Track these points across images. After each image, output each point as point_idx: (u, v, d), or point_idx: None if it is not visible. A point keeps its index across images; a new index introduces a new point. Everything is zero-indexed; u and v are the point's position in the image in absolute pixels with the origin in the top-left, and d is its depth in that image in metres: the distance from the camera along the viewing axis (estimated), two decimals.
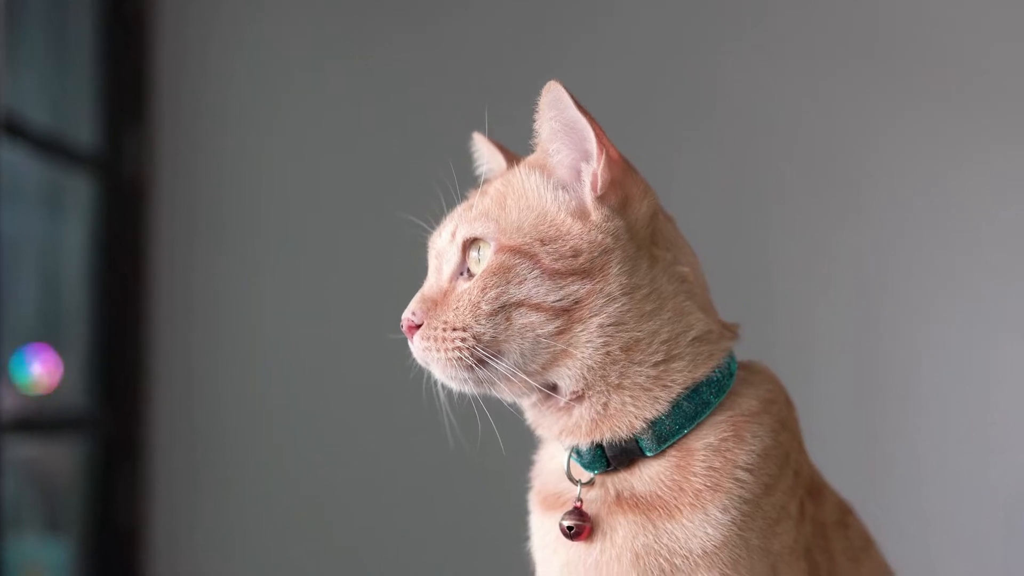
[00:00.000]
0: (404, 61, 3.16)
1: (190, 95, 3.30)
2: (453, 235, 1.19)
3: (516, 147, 1.29)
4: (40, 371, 3.03)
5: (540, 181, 1.18)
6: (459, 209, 1.23)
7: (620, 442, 1.15)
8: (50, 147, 3.04)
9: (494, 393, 1.18)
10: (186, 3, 3.32)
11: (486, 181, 1.29)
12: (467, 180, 1.30)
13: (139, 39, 3.28)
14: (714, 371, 1.17)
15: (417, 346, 1.17)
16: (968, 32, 2.86)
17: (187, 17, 3.31)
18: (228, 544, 3.19)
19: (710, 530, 1.11)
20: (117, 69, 3.24)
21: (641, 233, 1.17)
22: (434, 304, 1.17)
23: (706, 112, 3.00)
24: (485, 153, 1.34)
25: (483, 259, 1.15)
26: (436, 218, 1.26)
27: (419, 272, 1.24)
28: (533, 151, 1.22)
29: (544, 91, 1.15)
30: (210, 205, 3.27)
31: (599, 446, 1.16)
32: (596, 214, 1.15)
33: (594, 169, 1.15)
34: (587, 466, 1.18)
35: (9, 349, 2.96)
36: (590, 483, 1.18)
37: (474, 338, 1.13)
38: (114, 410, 3.18)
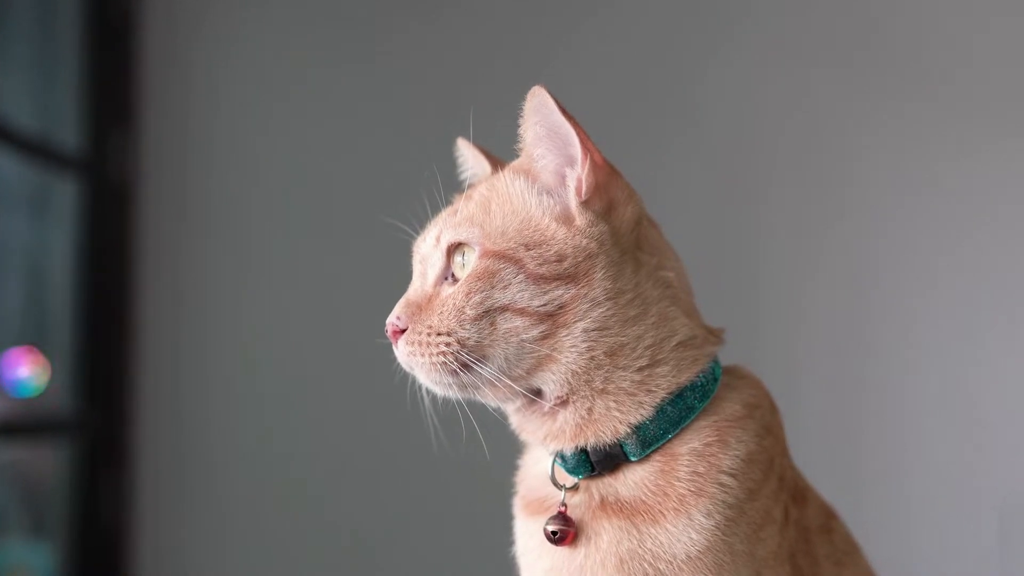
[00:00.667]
0: (390, 65, 3.16)
1: (176, 98, 3.29)
2: (438, 240, 1.19)
3: (501, 152, 1.29)
4: (28, 374, 3.02)
5: (524, 186, 1.18)
6: (443, 214, 1.23)
7: (604, 447, 1.15)
8: (36, 150, 3.04)
9: (478, 398, 1.18)
10: (172, 6, 3.31)
11: (471, 186, 1.29)
12: (452, 185, 1.30)
13: (125, 42, 3.27)
14: (699, 376, 1.17)
15: (402, 351, 1.17)
16: (953, 31, 2.87)
17: (173, 20, 3.30)
18: (213, 547, 3.18)
19: (694, 535, 1.11)
20: (103, 72, 3.23)
21: (626, 238, 1.17)
22: (419, 309, 1.17)
23: (692, 116, 3.00)
24: (469, 158, 1.34)
25: (468, 264, 1.15)
26: (421, 222, 1.26)
27: (404, 275, 1.24)
28: (518, 156, 1.22)
29: (529, 96, 1.15)
30: (196, 208, 3.27)
31: (583, 451, 1.16)
32: (580, 219, 1.15)
33: (578, 174, 1.16)
34: (571, 471, 1.18)
35: None
36: (574, 488, 1.18)
37: (458, 343, 1.13)
38: (99, 413, 3.17)
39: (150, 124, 3.27)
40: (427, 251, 1.20)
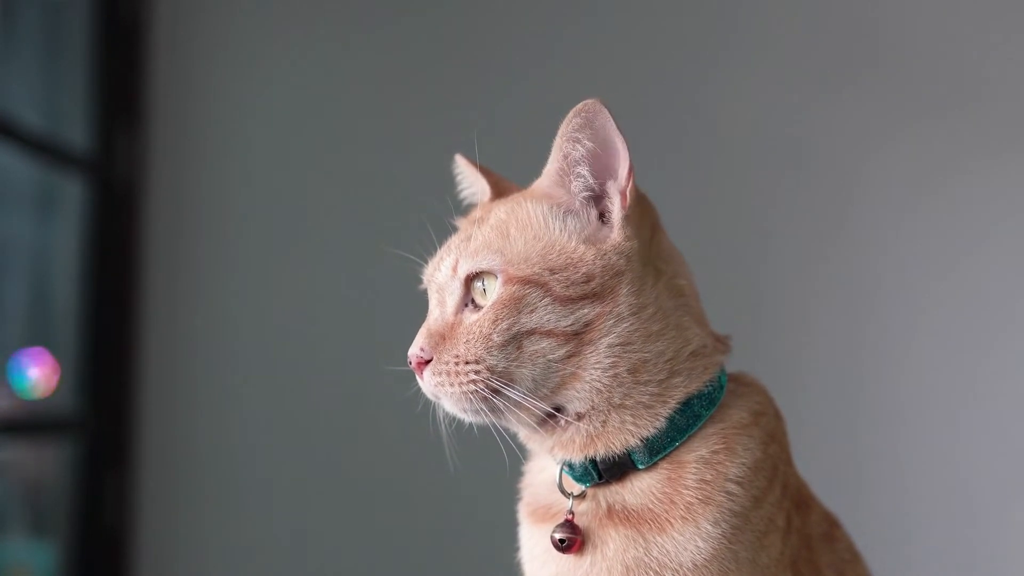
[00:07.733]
0: (399, 67, 3.16)
1: (182, 97, 3.30)
2: (455, 270, 1.18)
3: (500, 168, 1.29)
4: (38, 374, 3.02)
5: (547, 210, 1.18)
6: (455, 241, 1.23)
7: (613, 457, 1.15)
8: (42, 148, 3.03)
9: (502, 423, 1.17)
10: (179, 5, 3.32)
11: (476, 207, 1.29)
12: (452, 200, 1.30)
13: (132, 41, 3.27)
14: (706, 384, 1.17)
15: (428, 382, 1.16)
16: (956, 46, 2.88)
17: (180, 19, 3.31)
18: (214, 548, 3.18)
19: (701, 543, 1.11)
20: (110, 71, 3.24)
21: (646, 249, 1.18)
22: (442, 338, 1.16)
23: (697, 122, 3.01)
24: (468, 176, 1.34)
25: (489, 290, 1.15)
26: (420, 242, 1.25)
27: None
28: (509, 169, 1.22)
29: (575, 112, 1.14)
30: (202, 207, 3.27)
31: (592, 460, 1.16)
32: (619, 233, 1.16)
33: (622, 187, 1.16)
34: (578, 479, 1.18)
35: (1, 352, 2.95)
36: (581, 496, 1.18)
37: (488, 370, 1.12)
38: (102, 413, 3.17)
39: (157, 124, 3.27)
40: (443, 280, 1.19)
